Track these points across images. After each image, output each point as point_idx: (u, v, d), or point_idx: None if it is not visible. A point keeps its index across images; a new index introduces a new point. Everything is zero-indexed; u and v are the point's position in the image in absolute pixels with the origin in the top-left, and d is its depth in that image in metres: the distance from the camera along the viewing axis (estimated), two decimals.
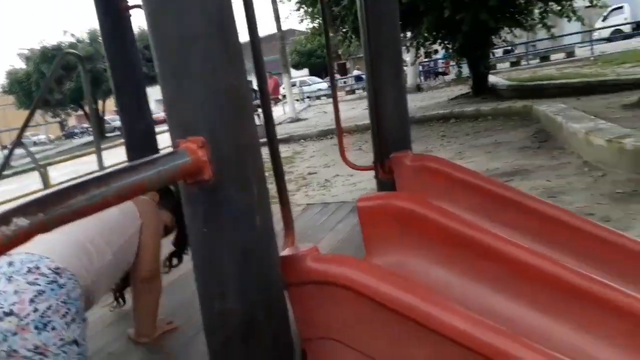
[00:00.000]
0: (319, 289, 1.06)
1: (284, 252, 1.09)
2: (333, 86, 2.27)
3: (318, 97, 24.71)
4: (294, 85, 20.04)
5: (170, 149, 0.92)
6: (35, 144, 29.62)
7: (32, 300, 1.06)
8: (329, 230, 2.07)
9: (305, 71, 33.76)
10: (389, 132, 2.08)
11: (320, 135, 10.60)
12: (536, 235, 1.79)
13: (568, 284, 1.40)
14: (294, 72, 32.34)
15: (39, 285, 1.08)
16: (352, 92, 23.76)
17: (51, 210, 0.64)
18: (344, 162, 2.20)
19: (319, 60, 30.88)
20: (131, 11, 2.64)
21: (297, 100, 22.34)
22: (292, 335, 1.11)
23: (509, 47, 21.23)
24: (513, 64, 21.04)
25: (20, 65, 24.04)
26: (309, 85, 27.05)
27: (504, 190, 1.84)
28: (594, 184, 4.48)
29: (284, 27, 15.88)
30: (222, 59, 0.91)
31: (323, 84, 26.43)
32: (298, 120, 15.25)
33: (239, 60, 0.94)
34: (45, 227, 0.63)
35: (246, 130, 0.96)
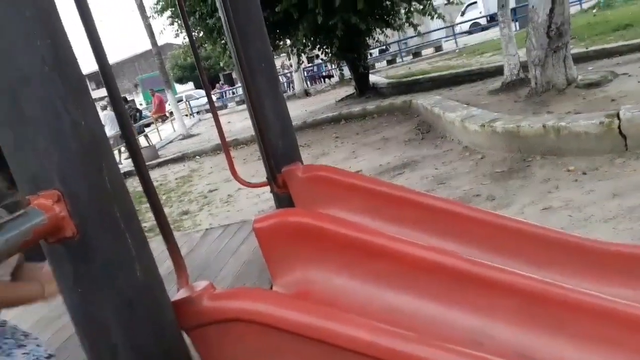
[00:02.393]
0: (221, 328, 1.00)
1: (179, 294, 1.02)
2: (211, 103, 2.21)
3: (207, 111, 24.17)
4: (180, 100, 19.34)
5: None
6: None
7: None
8: (231, 254, 2.00)
9: (191, 85, 32.89)
10: (276, 145, 2.06)
11: (215, 149, 10.36)
12: (424, 226, 1.88)
13: (459, 271, 1.47)
14: (178, 87, 31.34)
15: None
16: (242, 102, 23.54)
17: None
18: (237, 180, 2.14)
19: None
20: None
21: (186, 115, 21.65)
22: None
23: (384, 47, 22.44)
24: (389, 62, 22.28)
25: None
26: (197, 99, 26.35)
27: (390, 189, 1.92)
28: (476, 167, 4.86)
29: (161, 42, 15.29)
30: (62, 97, 0.81)
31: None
32: (190, 136, 14.78)
33: (84, 95, 0.85)
34: None
35: (106, 171, 0.86)
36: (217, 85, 31.04)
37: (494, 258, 1.80)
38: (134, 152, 1.03)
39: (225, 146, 2.19)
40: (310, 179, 1.95)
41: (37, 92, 0.79)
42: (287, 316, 0.97)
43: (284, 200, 2.05)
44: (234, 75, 33.62)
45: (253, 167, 7.48)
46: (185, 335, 1.02)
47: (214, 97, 25.57)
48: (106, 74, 0.99)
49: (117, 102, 1.01)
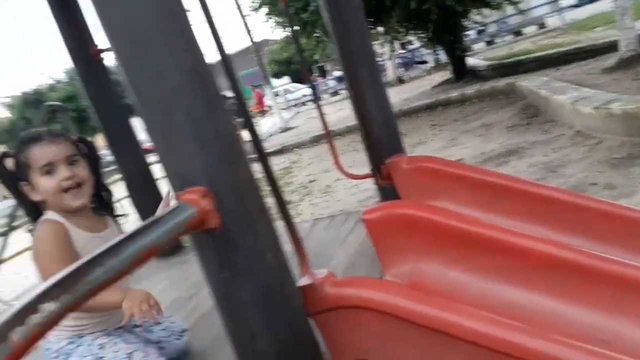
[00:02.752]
0: (342, 314, 1.07)
1: (302, 281, 1.10)
2: (316, 95, 2.29)
3: (304, 103, 24.73)
4: (277, 94, 20.05)
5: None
6: None
7: None
8: (340, 244, 2.06)
9: (287, 79, 33.82)
10: (379, 137, 2.09)
11: (313, 141, 10.61)
12: (538, 218, 1.80)
13: (581, 266, 1.41)
14: (275, 82, 32.40)
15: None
16: (336, 93, 23.81)
17: (74, 290, 0.65)
18: (341, 172, 2.20)
19: (298, 66, 30.93)
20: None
21: (284, 109, 22.36)
22: None
23: (482, 27, 21.36)
24: (488, 43, 21.15)
25: (6, 114, 24.01)
26: (293, 92, 27.06)
27: (500, 179, 1.86)
28: (590, 153, 4.50)
29: (257, 39, 15.92)
30: (204, 107, 0.92)
31: (307, 90, 26.46)
32: (288, 129, 15.24)
33: (220, 106, 0.95)
34: (74, 307, 0.64)
35: (242, 170, 0.97)
36: (311, 77, 31.55)
37: (616, 252, 1.69)
38: (258, 144, 1.13)
39: (329, 138, 2.26)
40: (415, 170, 1.95)
41: (183, 102, 0.90)
42: (406, 305, 1.01)
43: (387, 192, 2.07)
44: (327, 67, 34.04)
45: (350, 157, 7.56)
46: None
47: (308, 91, 26.21)
48: (232, 78, 1.09)
49: (239, 99, 1.11)
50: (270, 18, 12.10)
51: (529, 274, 1.45)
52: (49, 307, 0.63)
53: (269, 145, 12.70)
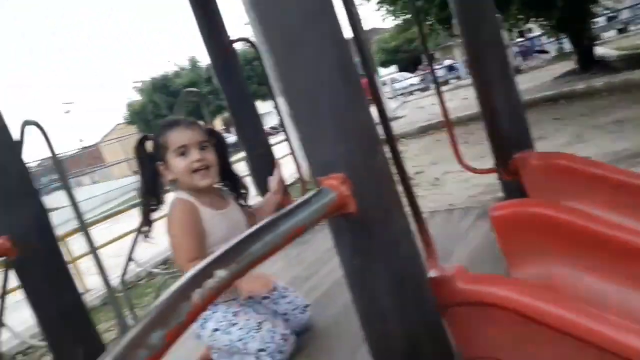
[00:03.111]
0: (474, 310, 1.05)
1: (432, 273, 1.10)
2: (437, 87, 2.23)
3: (411, 93, 24.28)
4: (384, 83, 19.87)
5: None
6: None
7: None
8: (458, 240, 2.02)
9: (393, 68, 33.39)
10: (507, 130, 2.00)
11: (420, 132, 10.40)
12: None
13: None
14: (382, 71, 32.15)
15: None
16: (446, 82, 23.06)
17: (240, 259, 0.72)
18: (463, 166, 2.14)
19: (405, 55, 30.40)
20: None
21: (390, 98, 22.13)
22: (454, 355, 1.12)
23: (613, 14, 19.24)
24: (620, 31, 19.05)
25: (137, 97, 26.50)
26: (400, 81, 26.65)
27: None
28: None
29: (366, 27, 15.83)
30: (347, 99, 0.96)
31: (414, 79, 25.92)
32: (395, 118, 15.06)
33: (363, 98, 0.98)
34: (238, 275, 0.71)
35: (379, 161, 1.00)
36: (420, 67, 30.89)
37: None
38: (390, 136, 1.14)
39: (450, 129, 2.20)
40: (546, 167, 1.84)
41: (329, 94, 0.95)
42: (543, 307, 0.97)
43: (513, 189, 1.98)
44: (437, 55, 33.00)
45: (463, 148, 7.30)
46: None
47: (417, 79, 25.63)
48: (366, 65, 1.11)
49: (375, 91, 1.12)
50: (382, 6, 11.98)
51: None
52: (221, 273, 0.70)
53: None
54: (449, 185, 5.95)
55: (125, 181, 27.41)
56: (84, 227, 2.30)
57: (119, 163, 31.86)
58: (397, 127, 12.70)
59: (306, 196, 0.92)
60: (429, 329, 1.01)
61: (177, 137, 1.62)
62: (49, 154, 2.15)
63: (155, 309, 0.65)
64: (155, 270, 5.15)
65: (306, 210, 0.87)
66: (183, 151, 1.61)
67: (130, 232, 6.45)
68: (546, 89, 10.34)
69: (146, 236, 1.69)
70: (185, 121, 1.68)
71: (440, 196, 5.63)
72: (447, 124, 2.24)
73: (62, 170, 2.25)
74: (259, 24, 0.98)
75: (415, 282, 1.01)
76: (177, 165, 1.61)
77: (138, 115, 25.72)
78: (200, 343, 1.73)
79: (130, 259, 2.98)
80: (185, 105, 2.98)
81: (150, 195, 1.66)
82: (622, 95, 7.83)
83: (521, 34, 20.43)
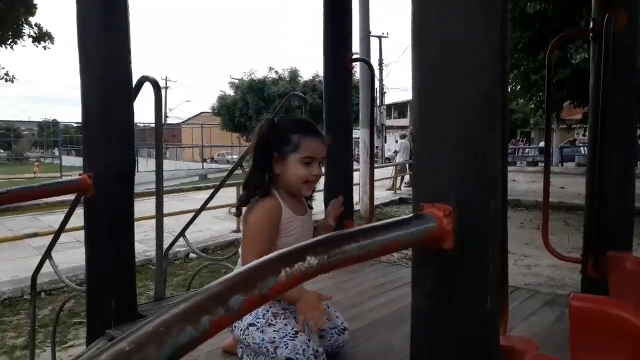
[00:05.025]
0: None
1: (505, 341, 1.03)
2: (547, 164, 2.14)
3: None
4: None
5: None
6: (227, 162, 33.75)
7: None
8: (521, 319, 1.89)
9: None
10: (608, 225, 1.87)
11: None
12: None
13: None
14: None
15: None
16: (535, 164, 22.28)
17: (332, 253, 0.70)
18: (547, 248, 2.02)
19: None
20: (354, 63, 2.94)
21: None
22: None
23: None
24: None
25: (229, 92, 27.68)
26: None
27: None
28: None
29: None
30: (484, 130, 0.91)
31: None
32: None
33: (499, 133, 0.94)
34: (326, 269, 0.69)
35: (493, 205, 0.94)
36: (513, 140, 30.06)
37: None
38: (504, 191, 1.09)
39: (545, 209, 2.10)
40: None
41: (464, 121, 0.91)
42: None
43: (594, 285, 1.84)
44: (532, 135, 31.92)
45: (533, 234, 6.95)
46: None
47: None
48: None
49: (504, 139, 1.08)
50: None
51: None
52: (311, 260, 0.69)
53: None
54: (509, 266, 5.67)
55: (192, 165, 28.57)
56: (160, 192, 2.38)
57: (192, 147, 33.23)
58: None
59: (405, 216, 0.89)
60: None
61: (313, 146, 1.62)
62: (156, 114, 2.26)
63: (243, 274, 0.65)
64: (197, 255, 5.25)
65: (403, 230, 0.84)
66: (309, 162, 1.61)
67: (185, 211, 6.69)
68: None
69: (237, 215, 1.70)
70: (322, 134, 1.68)
71: None
72: (545, 206, 2.13)
73: (159, 134, 2.34)
74: (415, 33, 0.96)
75: (487, 341, 0.94)
76: (297, 171, 1.61)
77: (227, 109, 26.78)
78: (227, 333, 1.72)
79: (182, 234, 3.06)
80: (284, 109, 3.05)
81: (259, 180, 1.65)
82: None
83: None
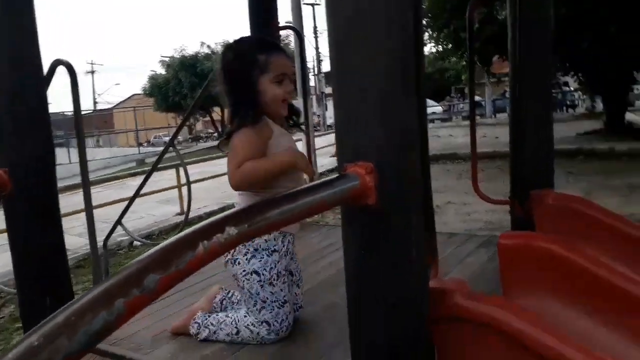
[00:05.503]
0: (467, 328, 1.03)
1: (433, 284, 1.08)
2: (472, 114, 2.22)
3: (432, 121, 24.27)
4: None
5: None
6: (165, 143, 32.71)
7: None
8: (457, 262, 2.00)
9: None
10: (531, 166, 1.98)
11: (432, 159, 10.35)
12: None
13: None
14: None
15: None
16: (468, 117, 23.05)
17: (253, 221, 0.70)
18: (477, 194, 2.12)
19: (434, 83, 30.40)
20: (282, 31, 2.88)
21: None
22: None
23: None
24: None
25: (161, 71, 26.57)
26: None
27: None
28: None
29: None
30: (397, 90, 0.93)
31: (437, 108, 25.93)
32: None
33: (412, 92, 0.96)
34: (248, 236, 0.69)
35: (411, 160, 0.97)
36: (447, 97, 30.90)
37: None
38: (424, 145, 1.12)
39: (474, 160, 2.19)
40: (561, 208, 1.82)
41: (379, 81, 0.92)
42: (545, 341, 0.94)
43: (522, 223, 1.96)
44: (466, 91, 32.98)
45: (467, 183, 7.29)
46: None
47: (441, 109, 25.58)
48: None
49: (420, 98, 1.11)
50: (427, 31, 11.99)
51: None
52: (231, 230, 0.68)
53: None
54: (449, 215, 5.94)
55: (129, 151, 27.46)
56: (86, 184, 2.25)
57: (126, 132, 31.91)
58: None
59: (329, 178, 0.90)
60: (416, 341, 0.99)
61: (282, 62, 1.55)
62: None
63: (158, 252, 0.64)
64: (139, 242, 5.08)
65: (326, 190, 0.85)
66: (282, 79, 1.55)
67: (124, 199, 6.47)
68: (567, 143, 10.30)
69: (223, 150, 1.64)
70: (284, 48, 1.63)
71: (438, 224, 5.58)
72: (473, 155, 2.22)
73: (79, 121, 2.21)
74: (328, 7, 0.96)
75: (414, 288, 0.98)
76: (273, 91, 1.54)
77: (159, 89, 25.77)
78: (178, 314, 1.70)
79: (119, 223, 2.95)
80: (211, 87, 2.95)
81: (240, 111, 1.55)
82: None
83: (553, 86, 20.42)
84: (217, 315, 1.73)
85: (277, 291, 1.61)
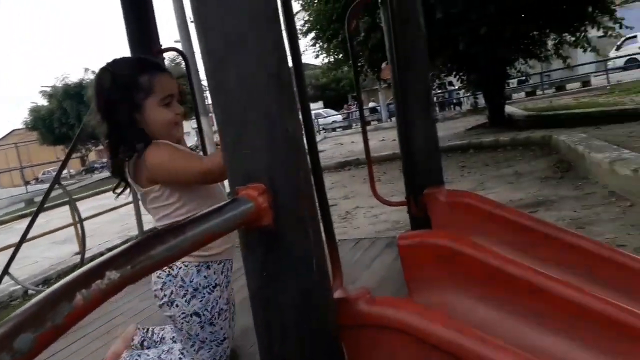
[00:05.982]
0: (373, 332, 1.05)
1: (336, 294, 1.09)
2: (363, 120, 2.31)
3: (334, 129, 24.92)
4: None
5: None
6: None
7: (161, 289, 1.48)
8: (365, 268, 2.05)
9: (320, 104, 34.21)
10: (420, 166, 2.09)
11: (337, 166, 10.66)
12: (576, 270, 1.76)
13: (616, 321, 1.37)
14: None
15: (162, 278, 1.47)
16: (368, 123, 23.98)
17: (136, 262, 0.66)
18: (376, 197, 2.20)
19: (332, 93, 31.33)
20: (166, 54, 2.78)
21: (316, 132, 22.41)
22: None
23: (524, 77, 21.38)
24: (528, 94, 21.12)
25: (43, 102, 24.66)
26: (325, 117, 27.31)
27: (542, 226, 1.83)
28: (623, 215, 4.41)
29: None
30: (278, 107, 0.93)
31: (338, 116, 26.70)
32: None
33: (294, 107, 0.97)
34: (133, 279, 0.65)
35: (302, 176, 0.98)
36: (345, 105, 31.92)
37: None
38: (314, 158, 1.14)
39: (370, 165, 2.27)
40: (453, 204, 1.94)
41: (262, 103, 0.92)
42: (444, 335, 0.99)
43: (420, 222, 2.06)
44: (363, 98, 34.24)
45: (359, 188, 7.57)
46: None
47: (340, 117, 26.37)
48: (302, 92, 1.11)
49: (306, 111, 1.12)
50: (318, 43, 12.30)
51: (562, 321, 1.41)
52: (112, 275, 0.64)
53: None
54: (359, 219, 6.11)
55: (14, 191, 25.04)
56: None
57: (10, 171, 29.16)
58: None
59: (220, 204, 0.88)
60: (327, 351, 0.99)
61: (168, 84, 1.44)
62: None
63: (29, 308, 0.58)
64: (33, 290, 4.61)
65: (219, 217, 0.83)
66: (169, 101, 1.43)
67: (8, 246, 5.88)
68: (458, 139, 11.09)
69: (119, 195, 1.51)
70: (167, 68, 1.50)
71: (350, 229, 5.75)
72: (368, 159, 2.31)
73: None
74: (198, 26, 0.94)
75: (319, 300, 0.99)
76: (161, 115, 1.41)
77: (43, 122, 23.88)
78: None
79: (5, 272, 2.67)
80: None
81: (125, 141, 1.40)
82: (524, 151, 8.58)
83: (440, 86, 21.95)
84: (147, 356, 1.61)
85: (217, 330, 1.53)
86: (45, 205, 2.81)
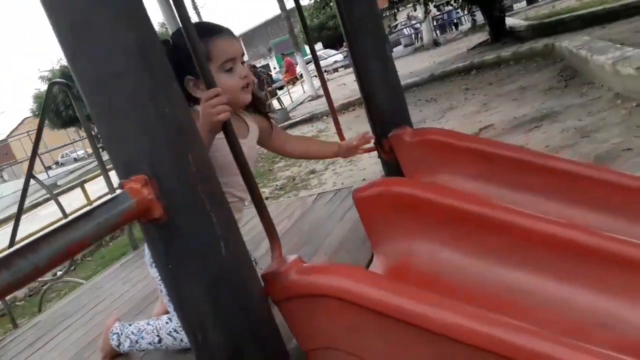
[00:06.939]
0: (308, 302, 1.01)
1: (270, 268, 1.04)
2: (318, 69, 2.18)
3: (335, 70, 24.31)
4: (309, 62, 19.69)
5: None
6: (75, 160, 30.69)
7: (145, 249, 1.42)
8: (338, 219, 2.00)
9: (319, 45, 33.24)
10: (383, 109, 1.98)
11: (341, 109, 10.43)
12: (550, 193, 1.67)
13: (584, 247, 1.29)
14: (308, 49, 31.83)
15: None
16: (347, 67, 23.42)
17: (5, 273, 0.61)
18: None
19: (330, 32, 30.33)
20: None
21: (315, 76, 22.02)
22: (290, 350, 1.08)
23: None
24: (530, 2, 20.01)
25: (44, 87, 24.63)
26: (325, 58, 26.58)
27: (509, 152, 1.73)
28: (629, 117, 4.21)
29: (288, 6, 15.54)
30: (150, 89, 0.85)
31: (339, 56, 25.97)
32: (318, 97, 15.02)
33: (169, 86, 0.88)
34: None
35: (191, 155, 0.89)
36: (344, 43, 30.92)
37: (636, 229, 1.55)
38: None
39: (333, 111, 2.17)
40: (419, 143, 1.84)
41: (125, 86, 0.83)
42: (374, 295, 0.94)
43: (391, 166, 1.97)
44: None
45: (362, 128, 7.39)
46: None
47: (340, 57, 25.67)
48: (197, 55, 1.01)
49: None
50: None
51: (530, 255, 1.34)
52: None
53: (298, 114, 12.61)
54: (364, 161, 6.01)
55: (39, 178, 25.49)
56: None
57: (25, 161, 29.61)
58: (319, 105, 12.68)
59: (99, 202, 0.82)
60: (254, 330, 0.95)
61: (227, 46, 1.32)
62: None
63: None
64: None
65: (90, 222, 0.77)
66: (232, 65, 1.33)
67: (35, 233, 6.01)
68: (460, 60, 10.69)
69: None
70: (227, 29, 1.36)
71: (355, 172, 5.69)
72: (330, 107, 2.19)
73: None
74: (46, 11, 0.84)
75: (237, 282, 0.94)
76: (224, 82, 1.29)
77: (48, 107, 23.89)
78: None
79: None
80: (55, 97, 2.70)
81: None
82: (527, 64, 8.23)
83: (438, 7, 20.94)
84: (137, 323, 1.59)
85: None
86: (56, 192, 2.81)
